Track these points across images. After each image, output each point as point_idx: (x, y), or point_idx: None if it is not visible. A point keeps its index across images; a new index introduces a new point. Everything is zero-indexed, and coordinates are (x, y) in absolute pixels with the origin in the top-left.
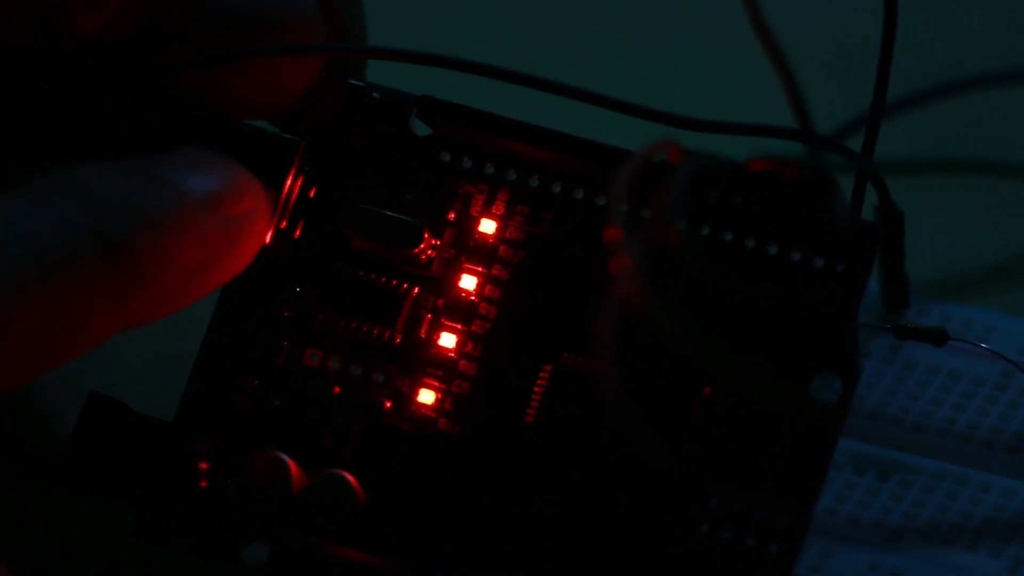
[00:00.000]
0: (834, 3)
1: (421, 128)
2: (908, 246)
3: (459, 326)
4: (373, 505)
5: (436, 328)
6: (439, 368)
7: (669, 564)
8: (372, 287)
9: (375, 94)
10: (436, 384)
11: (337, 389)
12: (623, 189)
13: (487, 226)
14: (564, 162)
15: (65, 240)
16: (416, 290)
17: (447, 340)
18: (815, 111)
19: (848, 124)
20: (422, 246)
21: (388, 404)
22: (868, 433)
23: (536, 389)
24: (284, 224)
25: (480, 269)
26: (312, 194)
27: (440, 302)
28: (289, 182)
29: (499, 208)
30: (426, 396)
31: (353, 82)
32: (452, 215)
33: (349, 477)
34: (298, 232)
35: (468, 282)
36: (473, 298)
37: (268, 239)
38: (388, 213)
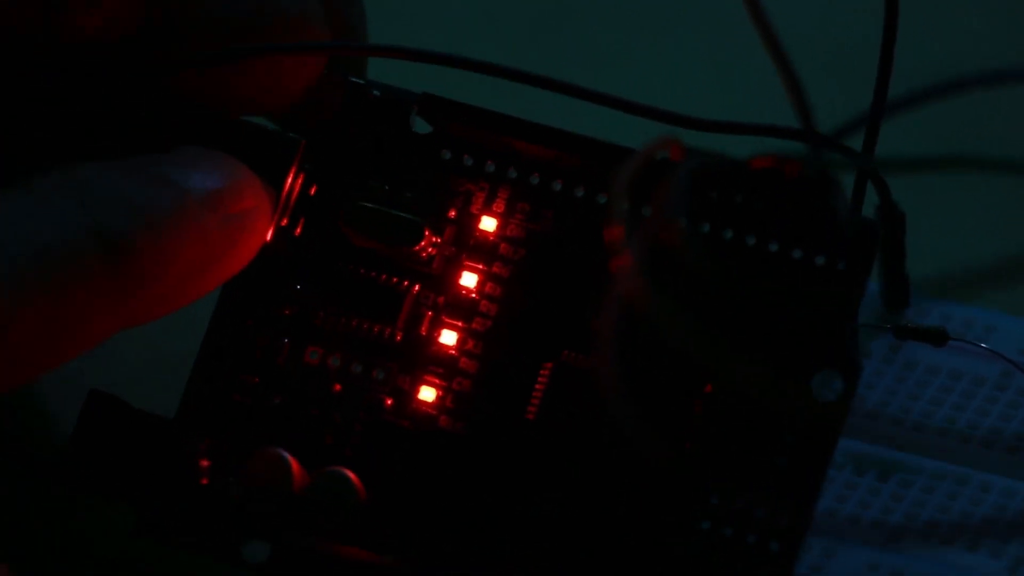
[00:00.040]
0: (834, 3)
1: (422, 126)
2: (908, 246)
3: (460, 324)
4: (374, 503)
5: (437, 326)
6: (440, 366)
7: (670, 562)
8: (373, 285)
9: (375, 92)
10: (437, 382)
11: (338, 387)
12: (624, 187)
13: (488, 224)
14: (565, 160)
15: (65, 240)
16: (417, 288)
17: (448, 338)
18: (815, 111)
19: (849, 124)
20: (423, 244)
21: (389, 402)
22: (868, 433)
23: (537, 387)
24: (285, 222)
25: (481, 267)
26: (313, 192)
27: (441, 300)
28: (290, 180)
29: (500, 206)
30: (427, 394)
31: (354, 80)
32: (453, 213)
33: (350, 475)
34: (299, 230)
35: (469, 280)
36: (474, 296)
37: (269, 237)
38: (389, 211)
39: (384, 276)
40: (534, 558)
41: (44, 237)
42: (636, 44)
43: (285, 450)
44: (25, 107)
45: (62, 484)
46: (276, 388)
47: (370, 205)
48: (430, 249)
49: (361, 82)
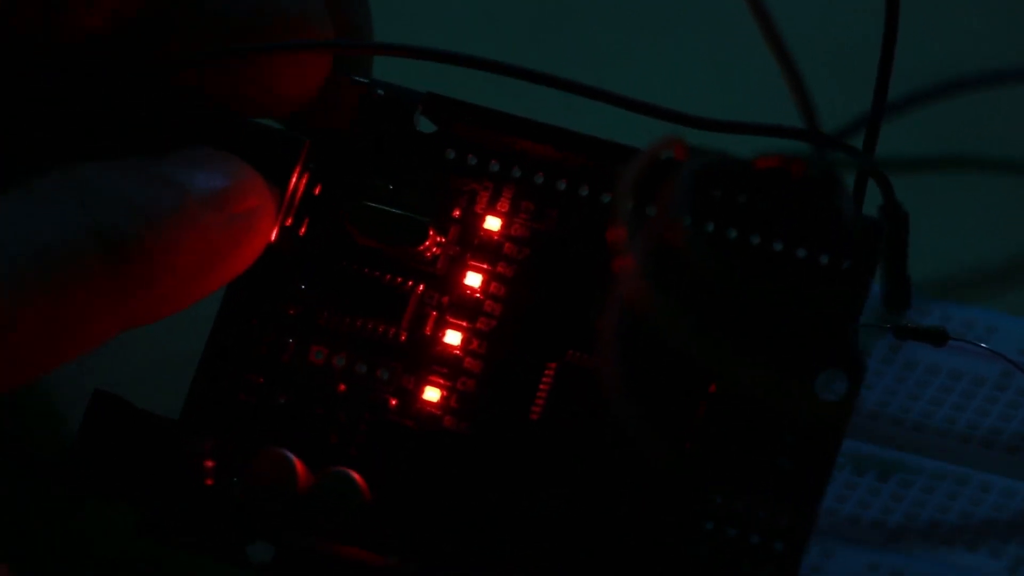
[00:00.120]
0: (835, 3)
1: (426, 125)
2: (909, 245)
3: (464, 323)
4: (378, 503)
5: (441, 325)
6: (444, 365)
7: (675, 562)
8: (377, 284)
9: (380, 91)
10: (441, 381)
11: (342, 387)
12: (628, 187)
13: (492, 223)
14: (569, 159)
15: (65, 240)
16: (421, 287)
17: (452, 337)
18: (818, 110)
19: (849, 124)
20: (427, 243)
21: (393, 402)
22: (868, 433)
23: (541, 386)
24: (289, 222)
25: (485, 266)
26: (317, 191)
27: (445, 299)
28: (294, 179)
29: (504, 205)
30: (431, 394)
31: (358, 79)
32: (457, 212)
33: (355, 475)
34: (303, 229)
35: (473, 279)
36: (478, 295)
37: (273, 237)
38: (393, 210)
39: (388, 276)
40: (539, 558)
41: (44, 237)
42: (637, 44)
43: (289, 450)
44: (25, 107)
45: (66, 484)
46: (281, 388)
47: (374, 205)
48: (434, 249)
49: (365, 81)
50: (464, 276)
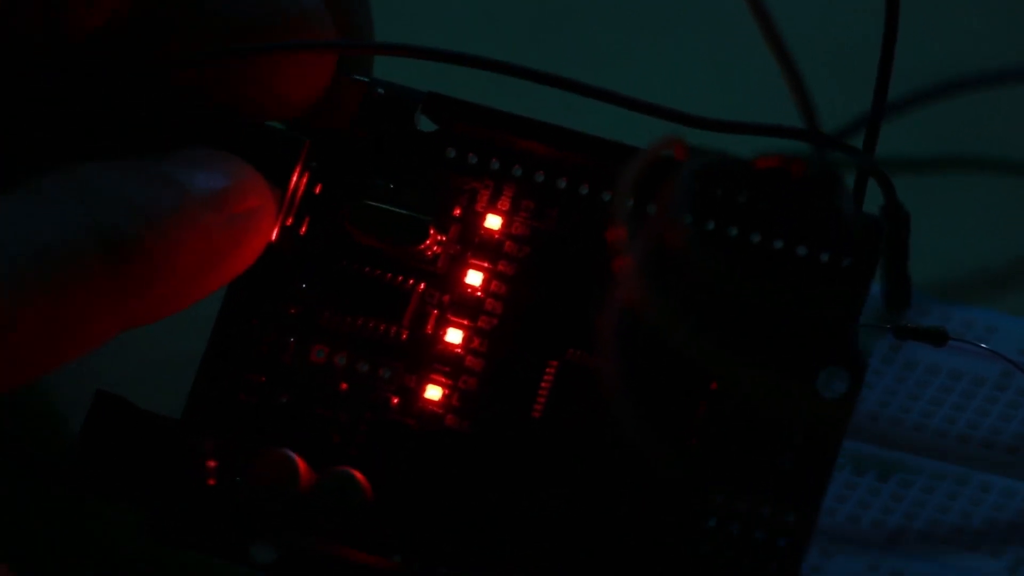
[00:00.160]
0: (835, 3)
1: (426, 124)
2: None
3: (465, 322)
4: (381, 502)
5: (442, 324)
6: (446, 364)
7: (678, 560)
8: (378, 283)
9: (380, 90)
10: (443, 380)
11: (344, 386)
12: (628, 187)
13: (492, 222)
14: (569, 158)
15: (66, 240)
16: (422, 286)
17: (453, 336)
18: (818, 110)
19: (850, 123)
20: (428, 242)
21: (395, 400)
22: (868, 433)
23: (543, 385)
24: (290, 221)
25: (486, 265)
26: (317, 190)
27: (446, 298)
28: (295, 179)
29: (504, 204)
30: (433, 392)
31: (358, 78)
32: (458, 211)
33: (357, 474)
34: (304, 229)
35: (474, 278)
36: (479, 294)
37: (274, 237)
38: (394, 209)
39: (389, 275)
40: (541, 557)
41: (44, 237)
42: (637, 44)
43: (291, 449)
44: (25, 107)
45: (69, 486)
46: (282, 387)
47: (375, 204)
48: (435, 247)
49: (366, 80)
50: (465, 275)
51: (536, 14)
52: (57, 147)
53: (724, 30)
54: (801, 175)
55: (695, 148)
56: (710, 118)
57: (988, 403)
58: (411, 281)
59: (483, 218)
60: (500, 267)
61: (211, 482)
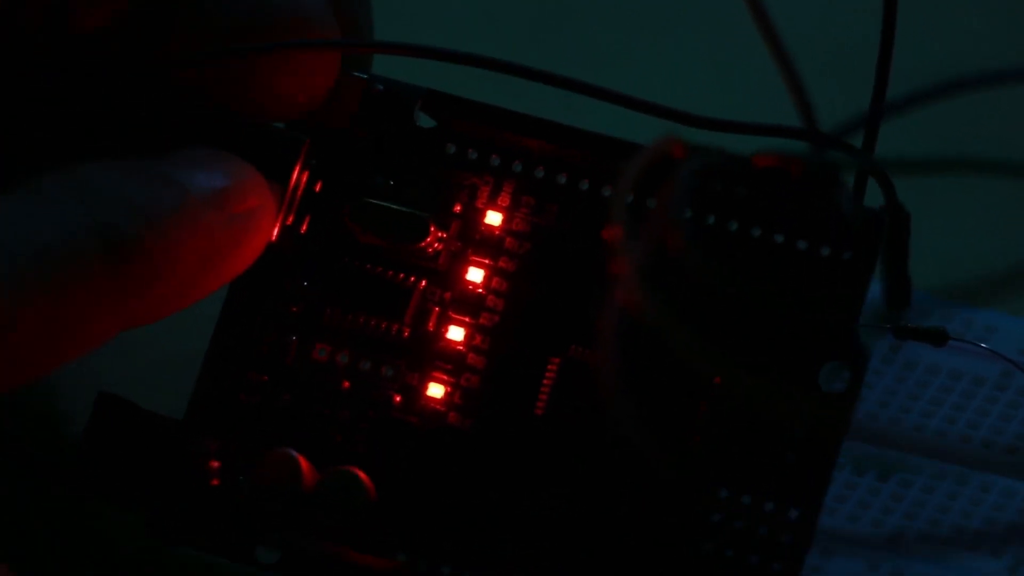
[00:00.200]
0: (834, 3)
1: (426, 121)
2: (910, 246)
3: (467, 319)
4: (384, 501)
5: (444, 321)
6: (448, 362)
7: (683, 556)
8: (379, 281)
9: (379, 87)
10: (445, 378)
11: (346, 384)
12: (627, 187)
13: (493, 218)
14: (569, 154)
15: (66, 239)
16: (423, 283)
17: (455, 333)
18: (817, 110)
19: (848, 123)
20: (428, 239)
21: (398, 399)
22: (868, 433)
23: (545, 381)
24: (290, 220)
25: (487, 261)
26: (318, 189)
27: (447, 295)
28: (295, 177)
29: (505, 200)
30: (435, 390)
31: (357, 75)
32: (458, 207)
33: (360, 474)
34: (304, 227)
35: (475, 275)
36: (480, 291)
37: (274, 235)
38: (394, 207)
39: (391, 272)
40: (545, 555)
41: (45, 237)
42: (637, 44)
43: (294, 448)
44: (26, 107)
45: (72, 488)
46: (285, 386)
47: (375, 202)
48: (436, 244)
49: (364, 77)
50: (466, 271)
51: (536, 14)
52: (57, 147)
53: (724, 30)
54: (800, 173)
55: (694, 147)
56: (709, 118)
57: (988, 403)
58: (412, 278)
59: (483, 214)
60: (501, 263)
61: (214, 482)
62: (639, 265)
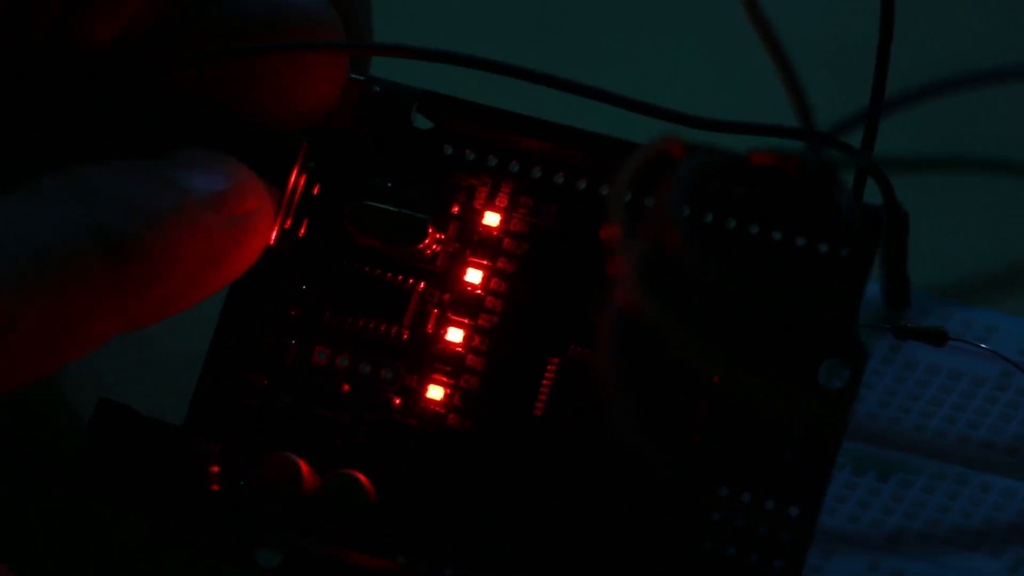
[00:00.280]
0: (833, 2)
1: (423, 122)
2: (909, 246)
3: (466, 320)
4: (384, 504)
5: (443, 323)
6: (447, 363)
7: (682, 556)
8: (378, 283)
9: (376, 88)
10: (444, 380)
11: (346, 387)
12: (624, 187)
13: (491, 219)
14: (567, 153)
15: (66, 240)
16: (422, 285)
17: (454, 335)
18: (814, 109)
19: (846, 120)
20: (427, 241)
21: (397, 401)
22: (868, 433)
23: (544, 382)
24: (289, 223)
25: (485, 262)
26: (316, 191)
27: (446, 297)
28: (293, 180)
29: (503, 200)
30: (435, 392)
31: (355, 76)
32: (456, 209)
33: (360, 477)
34: (303, 230)
35: (473, 276)
36: (479, 292)
37: (273, 238)
38: (392, 209)
39: (389, 274)
40: (545, 556)
41: (45, 237)
42: (637, 44)
43: (295, 452)
44: (26, 107)
45: (74, 492)
46: (285, 390)
47: (373, 204)
48: (434, 246)
49: (361, 78)
50: (464, 273)
51: (536, 14)
52: (57, 148)
53: (724, 30)
54: (796, 171)
55: (691, 145)
56: (708, 118)
57: (988, 403)
58: (411, 280)
59: (481, 215)
60: (499, 264)
61: (215, 487)
62: (637, 264)
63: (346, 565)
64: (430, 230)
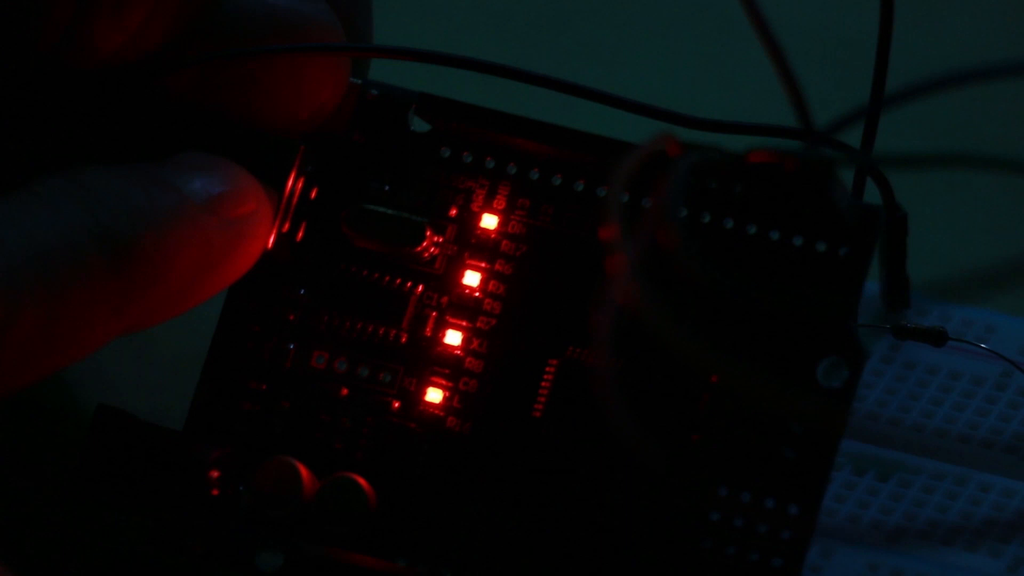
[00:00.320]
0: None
1: (420, 125)
2: (908, 245)
3: (464, 323)
4: (384, 507)
5: (441, 326)
6: (446, 366)
7: (682, 556)
8: (376, 287)
9: (374, 91)
10: (443, 382)
11: (345, 391)
12: (621, 186)
13: (489, 221)
14: (564, 155)
15: (66, 242)
16: (420, 288)
17: (453, 337)
18: (813, 107)
19: (844, 116)
20: (424, 243)
21: (396, 404)
22: (868, 433)
23: (543, 384)
24: (287, 226)
25: (483, 265)
26: (313, 195)
27: (444, 299)
28: (290, 183)
29: (500, 203)
30: (434, 395)
31: (352, 80)
32: (454, 211)
33: (360, 480)
34: (300, 234)
35: (472, 278)
36: (477, 294)
37: (271, 242)
38: (390, 212)
39: (387, 278)
40: (546, 556)
41: (44, 239)
42: (637, 44)
43: (294, 456)
44: (27, 111)
45: (74, 498)
46: (284, 394)
47: (371, 207)
48: (432, 249)
49: (359, 82)
50: (463, 275)
51: (536, 14)
52: (56, 151)
53: (724, 30)
54: (794, 170)
55: (688, 145)
56: (707, 118)
57: (988, 403)
58: (409, 283)
59: (479, 218)
60: (497, 266)
61: (214, 492)
62: (635, 264)
63: (346, 568)
64: (428, 233)
